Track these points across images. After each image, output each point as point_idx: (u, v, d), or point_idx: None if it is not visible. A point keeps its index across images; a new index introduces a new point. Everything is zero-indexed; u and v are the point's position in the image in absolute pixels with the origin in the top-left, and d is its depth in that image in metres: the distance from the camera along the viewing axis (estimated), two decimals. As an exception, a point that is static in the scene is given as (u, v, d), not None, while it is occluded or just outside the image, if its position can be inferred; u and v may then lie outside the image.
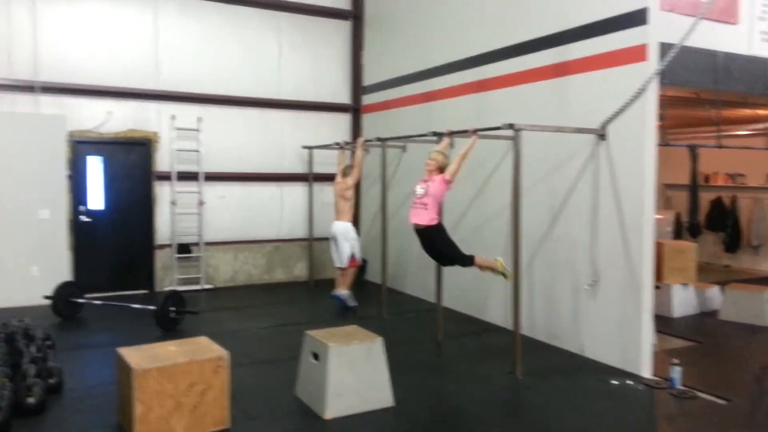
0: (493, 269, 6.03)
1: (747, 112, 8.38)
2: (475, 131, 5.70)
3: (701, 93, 6.93)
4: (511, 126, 5.29)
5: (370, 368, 4.73)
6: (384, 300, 7.76)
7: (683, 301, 8.07)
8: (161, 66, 8.99)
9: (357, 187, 10.01)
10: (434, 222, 5.83)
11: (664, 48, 5.46)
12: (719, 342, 6.94)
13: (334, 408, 4.55)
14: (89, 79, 8.51)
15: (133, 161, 8.94)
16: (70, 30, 8.46)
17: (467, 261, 5.97)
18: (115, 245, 8.87)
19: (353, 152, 8.53)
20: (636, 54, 5.47)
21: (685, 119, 9.02)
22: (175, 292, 7.15)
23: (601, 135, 5.80)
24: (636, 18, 5.47)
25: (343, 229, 7.63)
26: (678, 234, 11.23)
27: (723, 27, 6.31)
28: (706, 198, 11.61)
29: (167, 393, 4.05)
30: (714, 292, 8.38)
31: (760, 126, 9.40)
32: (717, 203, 11.95)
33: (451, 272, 6.87)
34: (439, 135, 6.29)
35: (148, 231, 9.03)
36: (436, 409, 4.88)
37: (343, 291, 8.06)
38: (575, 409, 4.89)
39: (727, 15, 6.33)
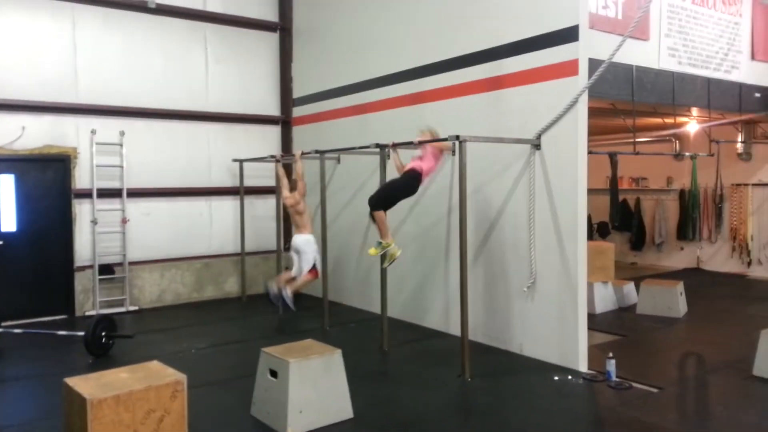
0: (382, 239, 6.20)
1: (656, 120, 9.08)
2: (420, 142, 5.84)
3: (617, 104, 7.46)
4: (457, 137, 5.46)
5: (330, 381, 4.73)
6: (325, 312, 7.74)
7: (604, 297, 8.61)
8: (80, 78, 8.52)
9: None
10: (418, 169, 6.03)
11: (591, 63, 5.84)
12: (641, 334, 7.44)
13: (295, 425, 4.50)
14: (0, 92, 7.94)
15: (49, 179, 8.40)
16: (-22, 41, 7.89)
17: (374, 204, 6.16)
18: (30, 269, 8.28)
19: (293, 165, 8.43)
20: (568, 69, 5.83)
21: (600, 128, 9.63)
22: (105, 316, 6.80)
23: (536, 145, 6.11)
24: (568, 35, 5.83)
25: (305, 240, 7.49)
26: (589, 235, 11.93)
27: (636, 43, 6.85)
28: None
29: (124, 423, 3.86)
30: (630, 288, 9.00)
31: (665, 133, 10.21)
32: (623, 205, 12.82)
33: (391, 282, 6.96)
34: (383, 147, 6.38)
35: (67, 252, 8.50)
36: (394, 418, 4.93)
37: (289, 291, 7.71)
38: (525, 406, 5.11)
39: (640, 32, 6.88)
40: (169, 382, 4.10)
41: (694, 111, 8.80)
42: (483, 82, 6.76)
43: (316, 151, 7.58)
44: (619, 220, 10.95)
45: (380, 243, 6.15)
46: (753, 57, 8.74)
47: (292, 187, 7.78)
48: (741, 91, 8.70)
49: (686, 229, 11.66)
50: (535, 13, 6.21)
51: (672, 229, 12.31)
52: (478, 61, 6.82)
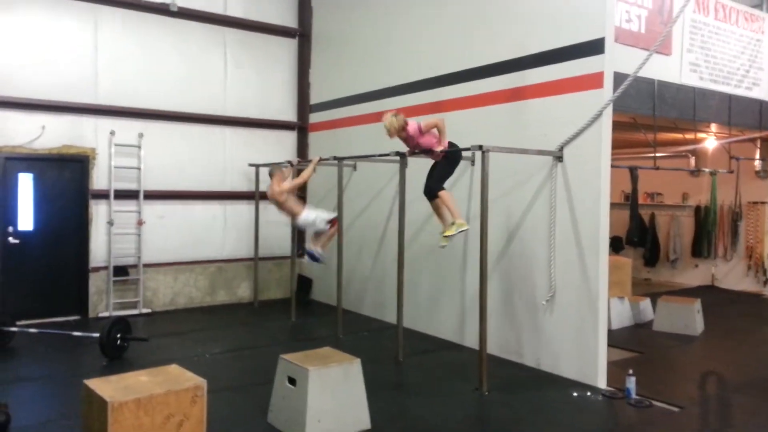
0: (446, 216, 6.08)
1: (676, 135, 9.02)
2: (442, 152, 5.81)
3: (638, 118, 7.41)
4: (480, 147, 5.43)
5: (349, 390, 4.68)
6: (339, 319, 7.69)
7: (620, 313, 8.52)
8: (100, 79, 8.55)
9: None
10: (445, 145, 6.02)
11: (616, 76, 5.80)
12: (658, 352, 7.34)
13: (313, 433, 4.45)
14: (21, 91, 7.97)
15: (67, 179, 8.41)
16: (2, 40, 7.91)
17: (433, 189, 6.09)
18: (46, 268, 8.28)
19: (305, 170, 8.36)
20: (592, 81, 5.79)
21: (619, 142, 9.56)
22: (120, 318, 6.78)
23: (559, 157, 6.07)
24: (593, 47, 5.79)
25: (304, 217, 7.42)
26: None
27: (658, 57, 6.79)
28: (627, 215, 12.33)
29: (144, 427, 3.82)
30: (646, 305, 8.90)
31: (682, 149, 10.14)
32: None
33: (405, 291, 6.87)
34: (402, 155, 6.36)
35: (82, 253, 8.49)
36: (412, 429, 4.87)
37: (318, 248, 7.65)
38: (545, 422, 5.03)
39: (663, 46, 6.83)
40: (189, 386, 4.08)
41: (714, 127, 8.74)
42: (505, 92, 6.72)
43: (335, 158, 7.55)
44: (638, 235, 10.83)
45: (453, 224, 6.02)
46: (774, 74, 8.68)
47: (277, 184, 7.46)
48: (761, 108, 8.65)
49: (701, 246, 11.54)
50: (559, 24, 6.17)
51: (687, 246, 12.20)
52: (500, 72, 6.79)
